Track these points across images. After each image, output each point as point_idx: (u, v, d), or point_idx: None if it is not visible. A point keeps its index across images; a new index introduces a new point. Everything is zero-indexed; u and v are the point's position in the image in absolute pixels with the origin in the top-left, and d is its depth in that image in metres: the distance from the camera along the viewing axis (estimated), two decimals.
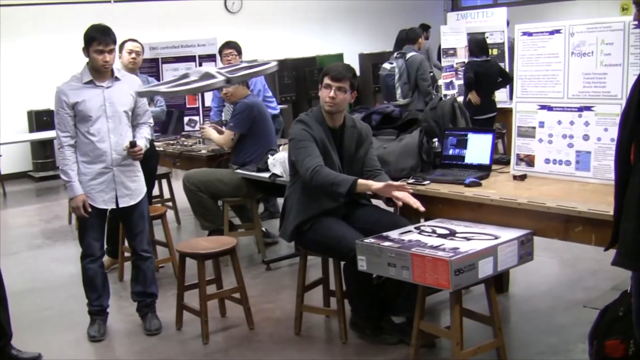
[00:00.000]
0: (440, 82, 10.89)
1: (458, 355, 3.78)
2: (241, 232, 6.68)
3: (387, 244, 3.85)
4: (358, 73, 9.43)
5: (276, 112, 7.99)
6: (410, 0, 16.45)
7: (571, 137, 4.26)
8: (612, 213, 3.03)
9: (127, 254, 5.79)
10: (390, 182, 4.28)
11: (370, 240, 3.95)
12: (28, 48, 11.92)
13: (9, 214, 9.35)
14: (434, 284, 3.64)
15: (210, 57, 9.76)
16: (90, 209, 4.68)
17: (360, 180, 4.26)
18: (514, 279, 5.31)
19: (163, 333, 4.91)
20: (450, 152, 4.84)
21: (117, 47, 4.83)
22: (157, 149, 6.84)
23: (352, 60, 13.93)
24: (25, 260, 7.07)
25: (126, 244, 5.46)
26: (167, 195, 8.10)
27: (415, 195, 4.23)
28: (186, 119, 9.36)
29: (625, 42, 3.97)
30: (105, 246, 5.44)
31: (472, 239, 3.82)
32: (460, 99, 8.73)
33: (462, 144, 4.80)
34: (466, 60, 9.92)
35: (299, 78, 14.11)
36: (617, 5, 13.68)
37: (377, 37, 15.44)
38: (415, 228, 4.13)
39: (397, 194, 4.18)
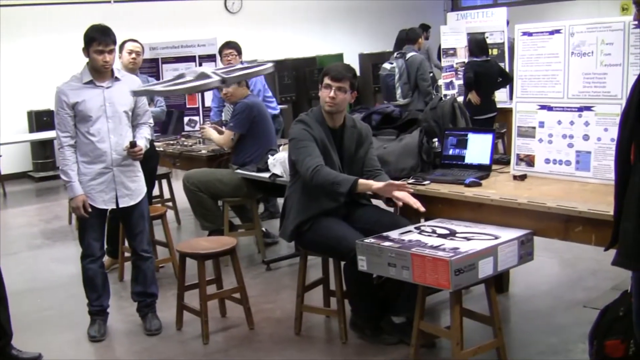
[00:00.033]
0: (440, 82, 10.89)
1: (458, 355, 3.78)
2: (241, 232, 6.68)
3: (387, 244, 3.85)
4: (358, 73, 9.44)
5: (276, 112, 8.00)
6: (410, 0, 16.45)
7: (571, 137, 4.26)
8: (612, 213, 3.03)
9: (127, 254, 5.79)
10: (391, 181, 4.28)
11: (370, 240, 3.95)
12: (28, 48, 11.92)
13: (9, 214, 9.35)
14: (434, 284, 3.64)
15: (210, 57, 9.75)
16: (90, 209, 4.68)
17: (361, 180, 4.26)
18: (514, 279, 5.31)
19: (163, 333, 4.91)
20: (450, 152, 4.84)
21: (117, 48, 4.83)
22: (157, 149, 6.84)
23: (352, 60, 13.93)
24: (25, 260, 7.07)
25: (126, 244, 5.46)
26: (167, 195, 8.10)
27: (416, 195, 4.23)
28: (186, 119, 9.36)
29: (625, 42, 3.97)
30: (106, 246, 5.44)
31: (472, 239, 3.82)
32: (460, 99, 8.73)
33: (462, 144, 4.80)
34: (466, 60, 9.92)
35: (299, 78, 14.11)
36: (617, 5, 13.68)
37: (377, 37, 15.44)
38: (416, 228, 4.13)
39: (397, 194, 4.18)
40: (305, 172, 4.31)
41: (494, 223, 4.02)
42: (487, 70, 9.05)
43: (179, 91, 4.60)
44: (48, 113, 11.27)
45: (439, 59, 12.16)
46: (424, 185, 4.41)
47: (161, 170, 7.56)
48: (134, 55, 6.34)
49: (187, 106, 9.53)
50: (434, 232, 4.02)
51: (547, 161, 4.39)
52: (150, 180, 5.96)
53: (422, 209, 4.17)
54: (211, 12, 13.91)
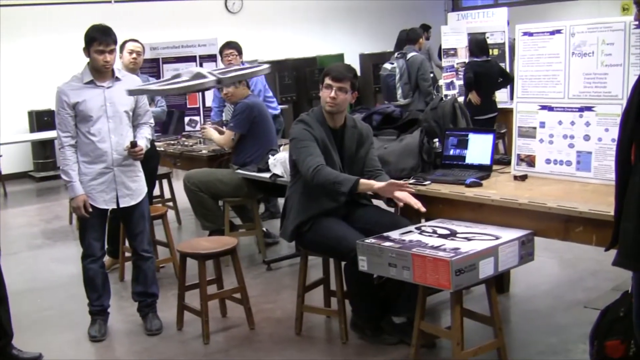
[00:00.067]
0: (441, 82, 10.90)
1: (458, 356, 3.78)
2: (242, 232, 6.68)
3: (387, 244, 3.85)
4: (358, 73, 9.39)
5: (277, 112, 8.00)
6: (410, 0, 16.45)
7: (572, 137, 4.26)
8: (612, 213, 3.03)
9: (127, 254, 5.79)
10: (393, 180, 4.28)
11: (371, 240, 3.95)
12: (29, 48, 11.92)
13: (10, 214, 9.35)
14: (435, 284, 3.64)
15: (211, 57, 9.76)
16: (90, 209, 4.68)
17: (362, 180, 4.26)
18: (515, 279, 5.31)
19: (164, 333, 4.91)
20: (451, 152, 4.84)
21: (117, 47, 4.83)
22: (157, 149, 6.84)
23: (352, 61, 13.93)
24: (26, 260, 7.07)
25: (127, 244, 5.46)
26: (167, 195, 8.10)
27: (416, 195, 4.23)
28: (187, 119, 9.37)
29: (626, 42, 3.97)
30: (106, 246, 5.44)
31: (472, 239, 3.82)
32: (461, 99, 8.73)
33: (463, 144, 4.80)
34: (467, 61, 9.92)
35: (299, 78, 14.11)
36: (617, 6, 13.67)
37: (377, 37, 15.44)
38: (416, 228, 4.13)
39: (398, 194, 4.18)
40: (306, 171, 4.31)
41: (495, 223, 4.02)
42: (488, 70, 9.06)
43: (174, 90, 4.63)
44: (49, 113, 11.27)
45: (440, 59, 12.16)
46: (424, 185, 4.41)
47: (162, 170, 7.56)
48: (134, 55, 6.34)
49: (188, 106, 9.53)
50: (434, 232, 4.02)
51: (548, 161, 4.39)
52: (150, 180, 5.96)
53: (423, 209, 4.17)
54: (212, 12, 13.91)
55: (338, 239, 4.29)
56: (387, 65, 8.86)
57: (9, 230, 8.26)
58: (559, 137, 4.32)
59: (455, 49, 11.04)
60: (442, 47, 11.45)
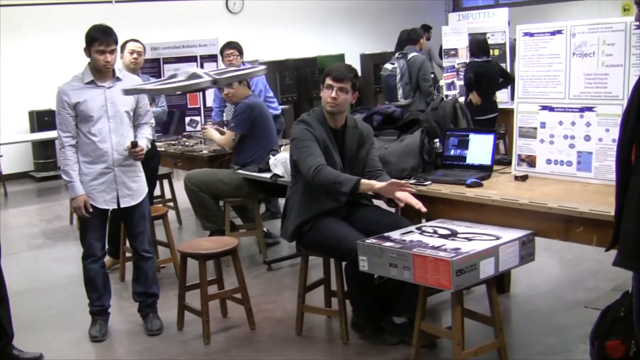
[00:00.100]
0: (442, 82, 10.89)
1: (459, 356, 3.78)
2: (242, 232, 6.68)
3: (388, 244, 3.85)
4: (359, 73, 9.41)
5: (277, 112, 8.01)
6: (411, 0, 16.45)
7: (572, 137, 4.26)
8: (613, 214, 3.03)
9: (128, 254, 5.79)
10: (394, 180, 4.28)
11: (371, 240, 3.96)
12: (29, 48, 11.93)
13: (10, 214, 9.36)
14: (435, 285, 3.64)
15: (212, 58, 9.76)
16: (91, 209, 4.69)
17: (363, 180, 4.26)
18: (515, 279, 5.31)
19: (164, 333, 4.91)
20: (452, 152, 4.84)
21: (118, 48, 4.83)
22: (158, 149, 6.84)
23: (353, 61, 13.94)
24: (26, 260, 7.07)
25: (127, 244, 5.46)
26: (168, 195, 8.11)
27: (417, 195, 4.23)
28: (187, 119, 9.37)
29: (627, 43, 3.97)
30: (107, 246, 5.44)
31: (473, 239, 3.82)
32: (462, 99, 8.73)
33: (464, 144, 4.80)
34: (467, 61, 9.92)
35: (300, 78, 14.12)
36: (618, 6, 13.67)
37: (378, 37, 15.45)
38: (417, 228, 4.13)
39: (399, 194, 4.18)
40: (307, 171, 4.31)
41: (495, 223, 4.02)
42: (488, 70, 9.06)
43: (170, 90, 4.65)
44: (49, 113, 11.27)
45: (441, 59, 12.16)
46: (425, 185, 4.41)
47: (162, 170, 7.56)
48: (135, 55, 6.35)
49: (189, 106, 9.53)
50: (435, 232, 4.02)
51: (549, 162, 4.39)
52: (151, 181, 5.96)
53: (424, 209, 4.18)
54: (212, 12, 13.92)
55: (338, 239, 4.29)
56: (388, 66, 8.86)
57: (10, 230, 8.26)
58: (559, 138, 4.32)
59: (456, 49, 11.05)
60: (443, 47, 11.45)
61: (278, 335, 4.78)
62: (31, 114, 11.87)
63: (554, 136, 4.35)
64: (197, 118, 9.48)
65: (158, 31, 11.87)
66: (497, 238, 3.81)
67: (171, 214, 7.40)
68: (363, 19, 16.03)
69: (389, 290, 4.46)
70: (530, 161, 4.48)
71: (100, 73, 4.68)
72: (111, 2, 12.67)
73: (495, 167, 4.71)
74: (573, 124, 4.25)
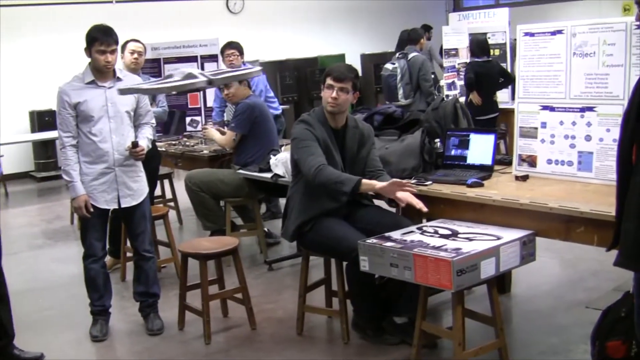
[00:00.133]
0: (442, 82, 10.88)
1: (460, 356, 3.78)
2: (243, 232, 6.68)
3: (389, 244, 3.85)
4: (360, 73, 9.38)
5: (278, 112, 8.01)
6: (411, 0, 16.45)
7: (573, 137, 4.26)
8: (614, 214, 3.03)
9: (129, 254, 5.79)
10: (396, 179, 4.28)
11: (372, 240, 3.96)
12: (30, 48, 11.93)
13: (11, 214, 9.36)
14: (436, 285, 3.64)
15: (212, 58, 9.75)
16: (92, 209, 4.69)
17: (364, 180, 4.26)
18: (516, 279, 5.31)
19: (165, 333, 4.91)
20: (452, 152, 4.84)
21: (119, 48, 4.83)
22: (159, 149, 6.84)
23: (354, 61, 13.95)
24: (26, 260, 7.07)
25: (128, 244, 5.46)
26: (169, 195, 8.12)
27: (418, 195, 4.23)
28: (188, 119, 9.36)
29: (627, 43, 3.97)
30: (108, 246, 5.44)
31: (474, 239, 3.82)
32: (463, 99, 8.73)
33: (464, 144, 4.80)
34: (468, 61, 9.92)
35: (300, 78, 14.12)
36: (618, 6, 13.67)
37: (378, 37, 15.45)
38: (418, 228, 4.13)
39: (400, 194, 4.18)
40: (308, 171, 4.31)
41: (496, 223, 4.02)
42: (488, 70, 9.06)
43: (164, 90, 4.69)
44: (50, 113, 11.28)
45: (441, 58, 12.15)
46: (425, 185, 4.41)
47: (163, 170, 7.57)
48: (136, 55, 6.35)
49: (189, 106, 9.52)
50: (436, 232, 4.02)
51: (549, 162, 4.39)
52: (152, 180, 5.97)
53: (425, 209, 4.18)
54: (213, 12, 13.92)
55: (339, 239, 4.29)
56: (389, 66, 8.86)
57: (10, 230, 8.25)
58: (560, 138, 4.32)
59: (456, 49, 11.04)
60: (444, 47, 11.44)
61: (279, 335, 4.78)
62: (32, 114, 11.87)
63: (555, 136, 4.35)
64: (198, 118, 9.48)
65: (159, 31, 11.86)
66: (498, 238, 3.81)
67: (172, 214, 7.40)
68: (363, 19, 16.03)
69: (390, 290, 4.46)
70: (531, 161, 4.48)
71: (101, 73, 4.68)
72: (112, 2, 12.68)
73: (496, 167, 4.71)
74: (574, 124, 4.25)
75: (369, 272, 4.03)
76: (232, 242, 4.86)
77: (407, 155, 4.74)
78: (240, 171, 6.16)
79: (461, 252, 3.61)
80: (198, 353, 4.61)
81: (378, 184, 4.27)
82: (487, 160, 4.68)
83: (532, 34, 4.44)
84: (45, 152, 11.87)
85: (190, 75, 4.06)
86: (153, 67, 9.45)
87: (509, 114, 8.08)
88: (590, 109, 4.16)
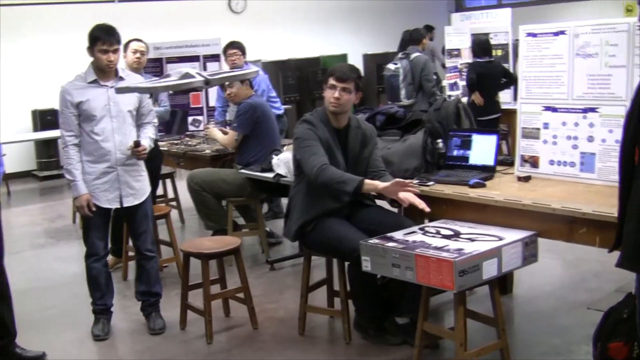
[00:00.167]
0: (445, 83, 10.88)
1: (462, 356, 3.78)
2: (245, 232, 6.68)
3: (391, 244, 3.85)
4: (362, 73, 9.39)
5: (280, 112, 8.00)
6: (414, 0, 16.45)
7: (575, 138, 4.25)
8: (616, 215, 3.03)
9: (131, 254, 5.79)
10: (398, 179, 4.27)
11: (374, 240, 3.96)
12: (32, 47, 11.95)
13: (13, 213, 9.36)
14: (438, 285, 3.63)
15: (214, 57, 9.76)
16: (94, 208, 4.69)
17: (367, 181, 4.26)
18: (518, 280, 5.31)
19: (167, 332, 4.91)
20: (455, 153, 4.84)
21: (121, 47, 4.84)
22: (161, 148, 6.84)
23: (356, 61, 13.93)
24: (29, 259, 7.08)
25: (130, 243, 5.46)
26: (171, 194, 8.12)
27: (420, 196, 4.22)
28: (190, 118, 9.36)
29: (630, 44, 3.97)
30: (110, 245, 5.45)
31: (476, 240, 3.82)
32: (465, 99, 8.72)
33: (466, 145, 4.80)
34: (470, 61, 9.92)
35: (302, 78, 14.13)
36: (620, 7, 13.66)
37: (380, 37, 15.45)
38: (420, 229, 4.13)
39: (402, 195, 4.18)
40: (310, 170, 4.31)
41: (498, 224, 4.02)
42: (490, 71, 9.06)
43: (160, 89, 4.74)
44: (52, 112, 11.30)
45: (442, 63, 12.16)
46: (427, 186, 4.40)
47: (165, 169, 7.57)
48: (138, 54, 6.36)
49: (192, 106, 9.53)
50: (438, 233, 4.02)
51: (552, 162, 4.38)
52: (154, 180, 5.97)
53: (428, 209, 4.17)
54: (215, 12, 13.93)
55: (341, 239, 4.29)
56: (391, 66, 8.85)
57: (12, 229, 8.25)
58: (562, 138, 4.32)
59: (458, 50, 11.04)
60: (446, 47, 11.44)
61: (280, 335, 4.78)
62: (34, 113, 11.89)
63: (557, 137, 4.34)
64: (200, 118, 9.48)
65: (161, 31, 11.87)
66: (500, 239, 3.81)
67: (174, 214, 7.40)
68: (366, 19, 16.04)
69: (392, 290, 4.46)
70: (533, 162, 4.48)
71: (103, 72, 4.69)
72: (114, 1, 12.69)
73: (498, 168, 4.71)
74: (576, 124, 4.24)
75: (371, 272, 4.03)
76: (234, 241, 4.86)
77: (409, 156, 4.75)
78: (243, 171, 6.16)
79: (463, 252, 3.60)
80: (200, 352, 4.61)
81: (381, 184, 4.27)
82: (490, 160, 4.68)
83: (534, 35, 4.43)
84: (47, 151, 11.88)
85: (187, 75, 4.09)
86: (155, 66, 9.46)
87: (511, 114, 8.07)
88: (593, 109, 4.16)
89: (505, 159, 4.95)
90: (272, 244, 6.75)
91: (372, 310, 4.52)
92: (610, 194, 3.64)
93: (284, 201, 6.28)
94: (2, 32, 11.28)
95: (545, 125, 4.40)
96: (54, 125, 10.47)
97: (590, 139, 4.18)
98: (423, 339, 4.05)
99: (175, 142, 7.59)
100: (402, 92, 8.63)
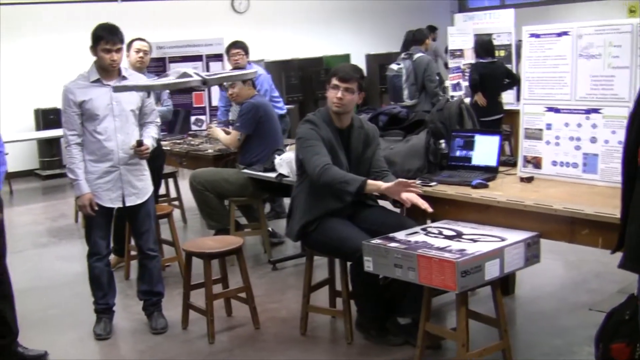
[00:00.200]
0: (447, 83, 10.87)
1: (464, 357, 3.77)
2: (247, 231, 6.68)
3: (393, 245, 3.85)
4: (365, 74, 9.40)
5: (283, 112, 8.01)
6: (416, 1, 16.45)
7: (578, 139, 4.25)
8: (619, 216, 3.03)
9: (133, 253, 5.79)
10: (401, 179, 4.27)
11: (376, 241, 3.96)
12: (35, 46, 11.96)
13: (15, 212, 9.37)
14: (440, 286, 3.63)
15: (217, 57, 9.77)
16: (96, 208, 4.69)
17: (370, 181, 4.26)
18: (520, 281, 5.30)
19: (169, 332, 4.92)
20: (457, 153, 4.83)
21: (124, 46, 4.84)
22: (163, 148, 6.84)
23: (358, 61, 13.92)
24: (31, 258, 7.09)
25: (132, 242, 5.47)
26: (173, 194, 8.12)
27: (422, 196, 4.22)
28: (193, 118, 9.37)
29: (633, 45, 3.96)
30: (112, 245, 5.45)
31: (478, 240, 3.82)
32: (468, 100, 8.72)
33: (469, 145, 4.80)
34: (473, 62, 9.91)
35: (305, 78, 14.13)
36: (624, 8, 13.65)
37: (383, 38, 15.45)
38: (422, 229, 4.13)
39: (404, 195, 4.17)
40: (312, 170, 4.31)
41: (501, 225, 4.02)
42: (493, 71, 9.04)
43: (157, 87, 4.75)
44: (55, 111, 11.31)
45: (445, 62, 12.15)
46: (430, 186, 4.40)
47: (168, 169, 7.58)
48: (141, 54, 6.36)
49: (194, 105, 9.53)
50: (440, 233, 4.02)
51: (554, 163, 4.38)
52: (156, 179, 5.96)
53: (430, 209, 4.17)
54: (218, 11, 13.95)
55: (343, 240, 4.29)
56: (394, 66, 8.85)
57: (15, 228, 8.27)
58: (565, 139, 4.32)
59: (461, 50, 11.03)
60: (449, 48, 11.43)
61: (282, 335, 4.78)
62: (36, 112, 11.91)
63: (560, 138, 4.34)
64: (203, 117, 9.49)
65: (164, 30, 11.88)
66: (503, 239, 3.81)
67: (176, 213, 7.41)
68: (369, 19, 16.04)
69: (394, 290, 4.46)
70: (536, 163, 4.48)
71: (106, 72, 4.69)
72: (117, 0, 12.69)
73: (501, 169, 4.71)
74: (579, 125, 4.24)
75: (373, 273, 4.03)
76: (236, 241, 4.86)
77: (412, 156, 4.75)
78: (245, 171, 6.16)
79: (465, 253, 3.60)
80: (201, 352, 4.61)
81: (383, 185, 4.27)
82: (492, 161, 4.68)
83: (537, 35, 4.43)
84: (50, 150, 11.90)
85: (184, 75, 4.11)
86: (158, 66, 9.47)
87: (514, 115, 8.09)
88: (596, 110, 4.15)
89: (507, 160, 4.95)
90: (274, 244, 6.75)
91: (374, 311, 4.52)
92: (612, 195, 3.63)
93: (287, 201, 6.27)
94: (5, 31, 11.32)
95: (548, 126, 4.40)
96: (57, 124, 10.47)
97: (593, 140, 4.17)
98: (425, 339, 4.04)
99: (178, 141, 7.59)
100: (405, 93, 8.64)
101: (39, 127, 11.84)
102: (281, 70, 13.64)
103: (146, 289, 5.02)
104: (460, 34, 11.20)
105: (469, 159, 4.78)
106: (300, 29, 15.04)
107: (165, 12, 13.11)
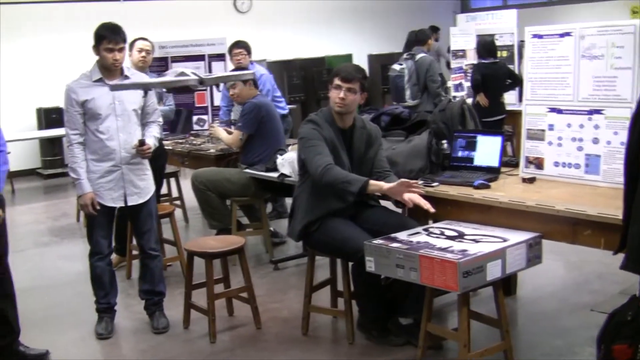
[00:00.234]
0: (450, 83, 10.87)
1: (465, 357, 3.78)
2: (249, 231, 6.69)
3: (395, 245, 3.85)
4: (367, 74, 9.41)
5: (285, 112, 8.01)
6: (419, 1, 16.44)
7: (581, 140, 4.25)
8: (621, 217, 3.02)
9: (135, 252, 5.79)
10: (404, 179, 4.27)
11: (378, 241, 3.96)
12: (37, 46, 11.96)
13: (17, 211, 9.37)
14: (442, 286, 3.63)
15: (220, 57, 9.76)
16: (98, 207, 4.69)
17: (372, 181, 4.25)
18: (521, 281, 5.30)
19: (170, 331, 4.92)
20: (459, 154, 4.83)
21: (127, 46, 4.84)
22: (165, 147, 6.85)
23: (361, 61, 13.94)
24: (33, 257, 7.09)
25: (134, 242, 5.47)
26: (175, 194, 8.13)
27: (424, 196, 4.22)
28: (195, 118, 9.36)
29: (636, 46, 3.96)
30: (113, 244, 5.45)
31: (480, 241, 3.82)
32: (470, 100, 8.71)
33: (471, 146, 4.79)
34: (475, 62, 9.90)
35: (307, 78, 14.13)
36: (627, 8, 13.64)
37: (386, 38, 15.45)
38: (424, 230, 4.13)
39: (407, 195, 4.17)
40: (315, 170, 4.31)
41: (503, 225, 4.02)
42: (495, 72, 9.04)
43: (155, 85, 4.78)
44: (57, 110, 11.32)
45: (447, 61, 12.14)
46: (432, 186, 4.40)
47: (170, 168, 7.59)
48: (144, 53, 6.36)
49: (196, 105, 9.53)
50: (442, 233, 4.02)
51: (557, 164, 4.38)
52: (158, 179, 5.97)
53: (432, 210, 4.17)
54: (221, 11, 13.95)
55: (345, 240, 4.29)
56: (396, 66, 8.85)
57: (17, 227, 8.26)
58: (567, 140, 4.31)
59: (464, 51, 11.03)
60: (451, 48, 11.43)
61: (284, 335, 4.78)
62: (39, 111, 11.91)
63: (562, 138, 4.34)
64: (205, 117, 9.49)
65: (166, 30, 11.87)
66: (504, 240, 3.81)
67: (178, 213, 7.41)
68: (371, 20, 16.03)
69: (396, 291, 4.46)
70: (538, 163, 4.47)
71: (109, 71, 4.69)
72: (120, 0, 12.69)
73: (503, 169, 4.71)
74: (581, 126, 4.24)
75: (375, 273, 4.03)
76: (238, 241, 4.86)
77: (414, 156, 4.74)
78: (247, 170, 6.16)
79: (467, 253, 3.60)
80: (203, 352, 4.61)
81: (385, 185, 4.26)
82: (494, 162, 4.68)
83: (540, 36, 4.43)
84: (51, 149, 11.90)
85: (182, 74, 4.13)
86: (161, 65, 9.46)
87: (516, 115, 8.08)
88: (598, 111, 4.15)
89: (510, 161, 4.95)
90: (276, 244, 6.74)
91: (375, 311, 4.52)
92: (615, 196, 3.63)
93: (288, 201, 6.29)
94: (9, 30, 11.32)
95: (551, 127, 4.40)
96: (59, 123, 10.48)
97: (596, 140, 4.17)
98: (426, 339, 4.05)
99: (180, 141, 7.60)
100: (407, 93, 8.63)
101: (41, 126, 11.84)
102: (283, 70, 13.64)
103: (148, 289, 5.02)
104: (463, 35, 11.19)
105: (471, 160, 4.77)
106: (302, 29, 15.04)
107: (167, 12, 13.11)
